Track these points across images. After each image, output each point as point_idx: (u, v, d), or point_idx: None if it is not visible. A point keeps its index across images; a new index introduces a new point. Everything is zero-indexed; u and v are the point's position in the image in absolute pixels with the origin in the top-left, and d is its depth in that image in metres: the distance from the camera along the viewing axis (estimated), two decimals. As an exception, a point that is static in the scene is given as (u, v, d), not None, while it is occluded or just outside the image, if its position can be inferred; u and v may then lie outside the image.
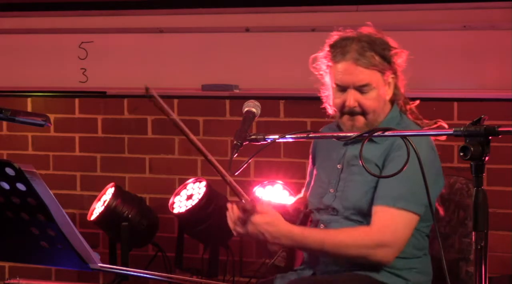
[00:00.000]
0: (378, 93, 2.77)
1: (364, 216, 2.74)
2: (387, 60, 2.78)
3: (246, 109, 2.67)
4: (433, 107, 4.10)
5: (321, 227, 2.85)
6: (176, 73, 4.53)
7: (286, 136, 2.46)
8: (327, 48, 2.82)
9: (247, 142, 2.49)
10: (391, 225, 2.68)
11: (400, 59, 2.84)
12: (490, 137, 1.91)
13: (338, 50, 2.77)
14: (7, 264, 4.68)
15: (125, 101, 4.53)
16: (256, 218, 2.60)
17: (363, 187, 2.77)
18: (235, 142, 2.51)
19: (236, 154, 2.50)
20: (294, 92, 4.21)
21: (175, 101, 4.44)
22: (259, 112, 2.69)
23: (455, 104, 4.08)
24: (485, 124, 1.92)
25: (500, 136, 1.91)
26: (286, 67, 4.29)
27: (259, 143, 2.48)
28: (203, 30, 4.49)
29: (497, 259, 3.98)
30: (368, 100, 2.76)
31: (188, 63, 4.52)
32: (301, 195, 3.12)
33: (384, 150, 2.75)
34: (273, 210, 2.67)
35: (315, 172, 2.99)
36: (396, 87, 2.84)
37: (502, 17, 4.08)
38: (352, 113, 2.78)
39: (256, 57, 4.41)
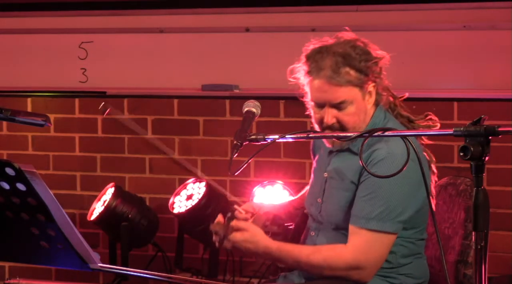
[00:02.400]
0: (357, 107, 2.71)
1: (347, 229, 2.72)
2: (364, 72, 2.69)
3: (246, 109, 2.67)
4: (433, 107, 4.10)
5: (312, 235, 2.86)
6: (176, 73, 4.53)
7: (286, 136, 2.46)
8: (303, 59, 2.75)
9: (247, 142, 2.49)
10: (364, 247, 2.65)
11: (381, 65, 2.75)
12: (490, 137, 1.91)
13: (313, 65, 2.70)
14: (7, 264, 4.68)
15: (125, 101, 4.53)
16: (234, 236, 2.66)
17: (341, 202, 2.75)
18: (235, 142, 2.51)
19: (236, 154, 2.50)
20: (294, 92, 4.21)
21: (175, 101, 4.45)
22: (259, 112, 2.69)
23: (455, 104, 4.08)
24: (485, 124, 1.92)
25: (500, 136, 1.91)
26: (286, 67, 4.28)
27: (259, 143, 2.48)
28: (203, 30, 4.49)
29: (497, 259, 3.98)
30: (347, 116, 2.70)
31: (188, 63, 4.52)
32: (304, 191, 3.13)
33: (359, 165, 2.69)
34: (252, 227, 2.70)
35: (313, 170, 2.98)
36: (377, 92, 2.77)
37: (502, 17, 4.09)
38: (331, 129, 2.72)
39: (256, 57, 4.42)
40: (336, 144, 2.76)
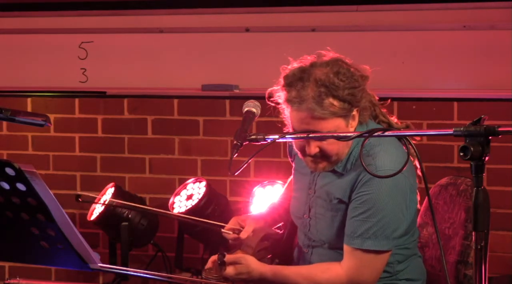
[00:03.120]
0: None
1: (342, 248, 2.68)
2: (348, 101, 2.55)
3: (246, 109, 2.66)
4: (433, 107, 4.10)
5: (305, 252, 2.83)
6: (176, 73, 4.53)
7: (286, 136, 2.46)
8: (282, 82, 2.62)
9: (247, 142, 2.49)
10: (360, 267, 2.63)
11: (365, 87, 2.62)
12: (490, 137, 1.91)
13: (294, 94, 2.56)
14: (7, 264, 4.68)
15: (125, 101, 4.53)
16: (227, 272, 2.62)
17: (333, 223, 2.71)
18: (235, 142, 2.50)
19: (236, 154, 2.50)
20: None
21: (175, 101, 4.45)
22: (259, 112, 2.68)
23: (455, 104, 4.08)
24: (485, 124, 1.92)
25: (500, 136, 1.91)
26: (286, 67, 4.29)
27: (259, 143, 2.47)
28: (203, 30, 4.49)
29: (497, 259, 3.98)
30: (330, 145, 2.59)
31: (188, 63, 4.52)
32: (286, 185, 3.11)
33: (349, 182, 2.65)
34: (244, 258, 2.65)
35: (293, 173, 2.94)
36: (361, 113, 2.65)
37: (502, 17, 4.09)
38: (314, 157, 2.63)
39: (256, 57, 4.42)
40: (319, 169, 2.67)
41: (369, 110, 2.70)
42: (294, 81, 2.58)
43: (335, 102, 2.54)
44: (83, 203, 4.52)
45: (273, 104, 2.69)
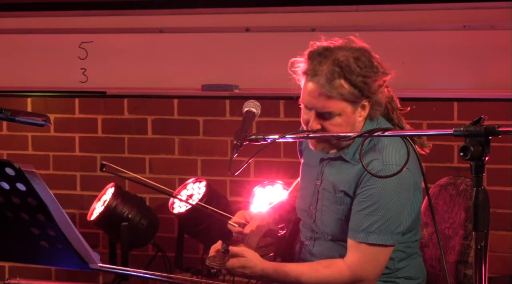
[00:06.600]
0: (345, 120, 2.61)
1: (344, 241, 2.69)
2: (360, 88, 2.57)
3: (246, 109, 2.67)
4: (433, 107, 4.10)
5: (307, 244, 2.83)
6: (176, 73, 4.53)
7: (286, 136, 2.46)
8: (305, 55, 2.66)
9: (247, 142, 2.49)
10: (363, 261, 2.63)
11: (383, 82, 2.64)
12: (490, 137, 1.91)
13: (311, 67, 2.61)
14: (7, 264, 4.68)
15: (125, 101, 4.53)
16: (230, 263, 2.61)
17: (337, 215, 2.71)
18: (235, 142, 2.50)
19: (236, 154, 2.50)
20: (294, 92, 4.20)
21: (175, 101, 4.45)
22: (259, 112, 2.68)
23: (455, 104, 4.09)
24: (485, 124, 1.92)
25: (500, 136, 1.92)
26: (286, 67, 4.29)
27: (259, 143, 2.47)
28: (203, 30, 4.50)
29: (497, 259, 3.98)
30: (332, 126, 2.60)
31: (188, 63, 4.52)
32: (294, 185, 3.11)
33: (355, 175, 2.66)
34: (247, 251, 2.65)
35: (301, 170, 2.95)
36: (373, 107, 2.65)
37: (502, 17, 4.09)
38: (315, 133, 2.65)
39: (256, 57, 4.42)
40: (319, 148, 2.69)
41: (383, 108, 2.70)
42: (315, 55, 2.64)
43: (346, 85, 2.57)
44: (84, 203, 4.53)
45: (293, 75, 2.72)
